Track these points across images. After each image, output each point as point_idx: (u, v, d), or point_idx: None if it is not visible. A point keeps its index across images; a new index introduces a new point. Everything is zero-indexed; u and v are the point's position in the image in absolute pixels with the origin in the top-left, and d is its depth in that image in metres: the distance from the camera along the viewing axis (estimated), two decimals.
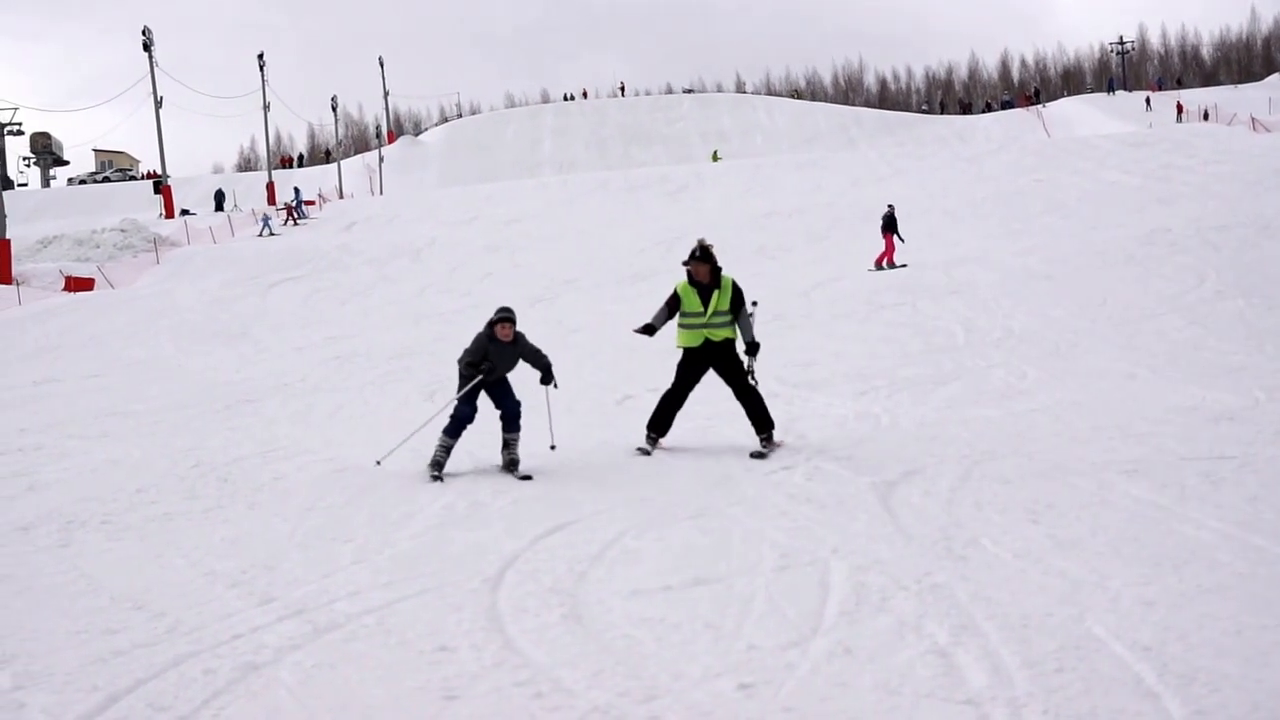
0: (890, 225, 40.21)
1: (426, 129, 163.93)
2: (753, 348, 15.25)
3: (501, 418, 14.68)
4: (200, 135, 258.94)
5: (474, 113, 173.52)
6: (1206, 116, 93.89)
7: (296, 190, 78.57)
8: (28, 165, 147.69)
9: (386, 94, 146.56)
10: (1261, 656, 7.65)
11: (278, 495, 13.78)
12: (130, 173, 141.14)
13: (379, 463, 14.88)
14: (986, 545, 10.43)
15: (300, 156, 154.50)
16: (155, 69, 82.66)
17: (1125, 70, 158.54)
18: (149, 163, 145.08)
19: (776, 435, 15.31)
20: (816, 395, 19.25)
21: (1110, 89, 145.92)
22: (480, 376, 14.59)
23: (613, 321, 30.78)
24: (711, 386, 15.70)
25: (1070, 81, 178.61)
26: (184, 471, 15.39)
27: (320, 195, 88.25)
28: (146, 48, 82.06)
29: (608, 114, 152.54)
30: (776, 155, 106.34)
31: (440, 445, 14.46)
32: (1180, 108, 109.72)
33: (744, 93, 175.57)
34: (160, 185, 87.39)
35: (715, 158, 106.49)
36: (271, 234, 64.77)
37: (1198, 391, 17.66)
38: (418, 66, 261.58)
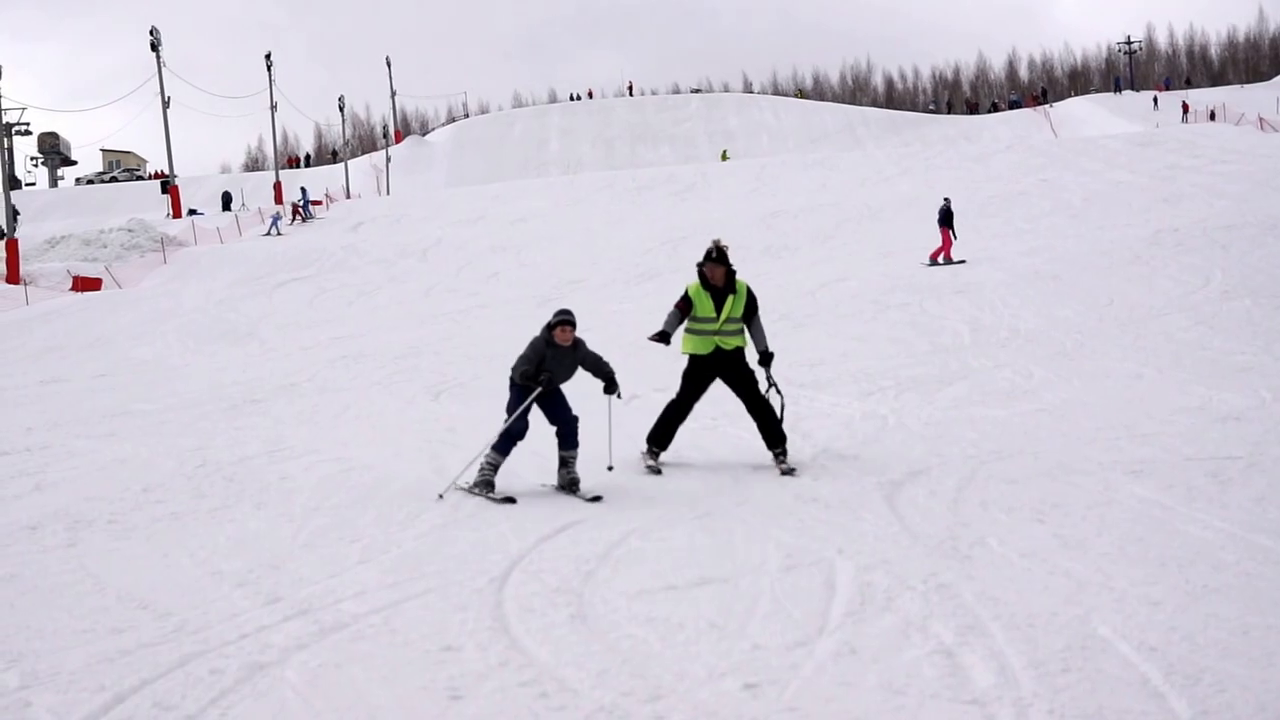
0: (946, 219, 39.34)
1: (433, 129, 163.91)
2: (766, 358, 14.37)
3: (557, 434, 13.40)
4: (207, 135, 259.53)
5: (481, 112, 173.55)
6: (1213, 116, 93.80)
7: (303, 190, 78.65)
8: (35, 165, 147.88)
9: (393, 94, 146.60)
10: (1267, 657, 7.65)
11: (284, 495, 13.77)
12: (137, 173, 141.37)
13: (441, 496, 13.14)
14: (992, 545, 10.43)
15: (307, 156, 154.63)
16: (163, 69, 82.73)
17: (1133, 70, 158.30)
18: (156, 163, 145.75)
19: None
20: (822, 395, 19.26)
21: (1117, 89, 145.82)
22: (539, 389, 13.21)
23: (619, 321, 30.78)
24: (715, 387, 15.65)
25: (1077, 82, 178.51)
26: (190, 471, 15.39)
27: (327, 195, 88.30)
28: (154, 48, 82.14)
29: (614, 114, 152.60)
30: (783, 155, 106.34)
31: (487, 462, 13.21)
32: (1186, 107, 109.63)
33: (751, 93, 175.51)
34: (167, 185, 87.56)
35: (724, 157, 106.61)
36: (279, 234, 64.82)
37: (1204, 391, 17.66)
38: (425, 66, 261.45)
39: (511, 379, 13.45)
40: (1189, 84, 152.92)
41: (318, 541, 11.58)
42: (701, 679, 7.63)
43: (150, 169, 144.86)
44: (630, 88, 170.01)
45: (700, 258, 14.52)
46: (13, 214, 73.27)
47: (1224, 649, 7.78)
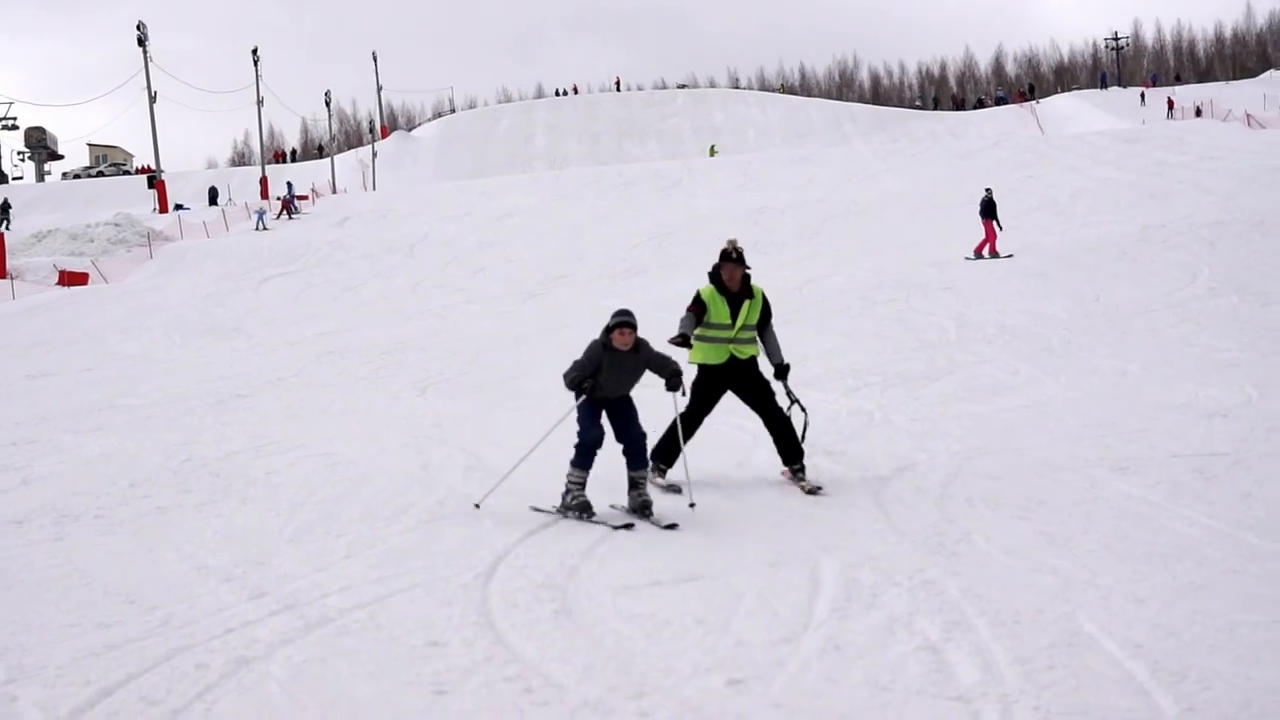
0: (989, 210, 38.59)
1: (420, 124, 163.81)
2: (782, 370, 13.47)
3: (625, 451, 12.12)
4: (194, 130, 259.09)
5: (468, 108, 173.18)
6: (1199, 113, 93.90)
7: (289, 185, 78.62)
8: (22, 159, 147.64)
9: (380, 89, 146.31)
10: (1253, 653, 7.67)
11: (270, 490, 13.77)
12: (124, 167, 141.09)
13: (478, 505, 12.32)
14: (978, 542, 10.45)
15: (294, 151, 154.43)
16: (149, 64, 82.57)
17: (1120, 66, 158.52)
18: (143, 157, 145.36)
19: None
20: (809, 391, 19.21)
21: (1104, 85, 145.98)
22: (582, 397, 11.97)
23: (605, 316, 30.78)
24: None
25: (1064, 78, 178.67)
26: (177, 466, 15.38)
27: (313, 190, 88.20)
28: (141, 43, 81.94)
29: (601, 109, 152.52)
30: (769, 151, 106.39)
31: (572, 481, 11.99)
32: (1171, 103, 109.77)
33: (738, 88, 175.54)
34: (154, 180, 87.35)
35: (712, 152, 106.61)
36: (265, 229, 64.77)
37: (1190, 388, 17.68)
38: (411, 62, 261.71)
39: (565, 383, 12.13)
40: (1178, 80, 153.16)
41: (303, 536, 11.59)
42: (686, 675, 7.64)
43: (137, 164, 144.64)
44: (618, 83, 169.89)
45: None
46: (4, 207, 73.12)
47: (1210, 646, 7.79)
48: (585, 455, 11.99)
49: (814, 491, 12.67)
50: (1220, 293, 27.45)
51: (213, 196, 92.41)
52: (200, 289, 45.09)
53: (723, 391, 13.51)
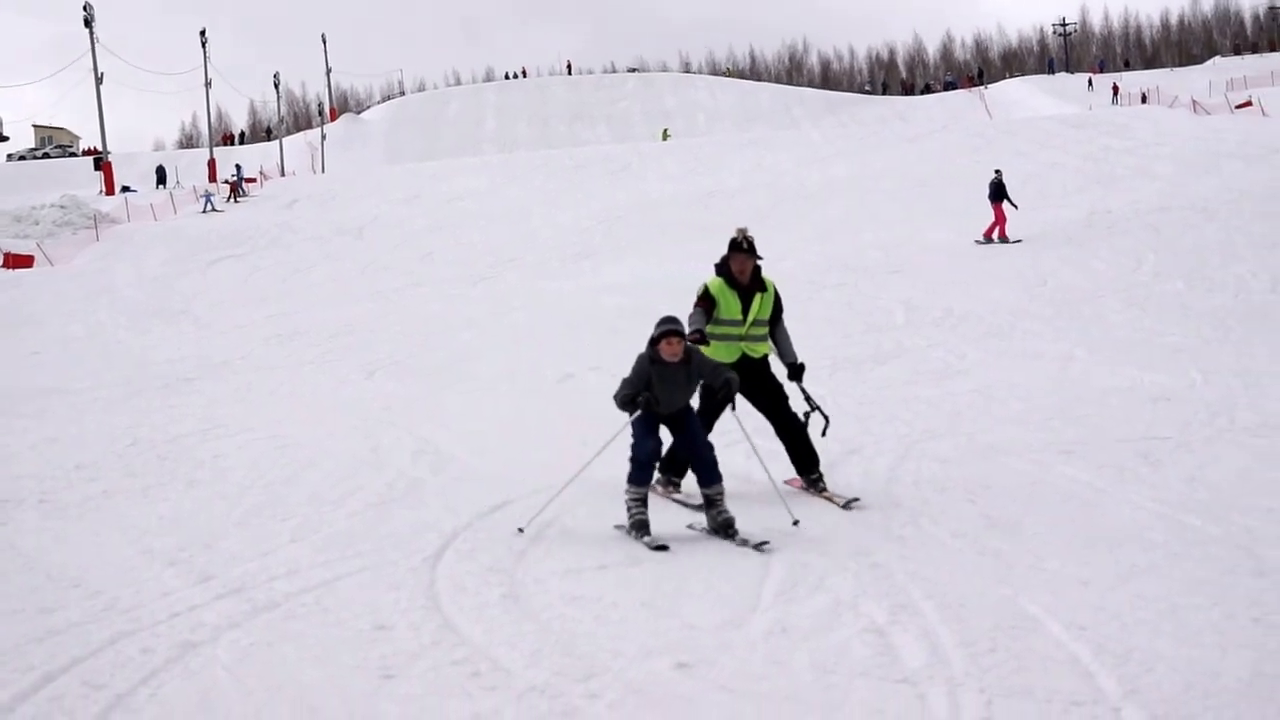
0: (999, 193, 37.10)
1: (369, 107, 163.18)
2: (796, 370, 12.45)
3: (694, 468, 11.06)
4: (141, 112, 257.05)
5: (417, 90, 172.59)
6: (1145, 99, 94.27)
7: (238, 167, 78.20)
8: None
9: (329, 71, 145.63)
10: (1195, 636, 7.73)
11: (217, 473, 13.73)
12: (70, 149, 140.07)
13: (521, 530, 10.76)
14: (925, 525, 10.50)
15: (242, 134, 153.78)
16: (96, 45, 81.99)
17: (1068, 52, 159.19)
18: (89, 139, 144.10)
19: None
20: None
21: (1051, 70, 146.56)
22: (640, 406, 10.86)
23: (555, 300, 30.77)
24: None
25: (1012, 63, 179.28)
26: (122, 449, 15.32)
27: (262, 173, 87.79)
28: (87, 23, 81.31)
29: (551, 92, 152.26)
30: (719, 135, 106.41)
31: (631, 499, 10.78)
32: (1116, 89, 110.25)
33: (689, 72, 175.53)
34: (101, 162, 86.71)
35: (665, 136, 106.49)
36: (213, 211, 64.44)
37: (1135, 373, 17.79)
38: (361, 44, 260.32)
39: (616, 404, 11.10)
40: (1126, 66, 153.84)
41: (250, 520, 11.56)
42: (634, 658, 7.65)
43: (83, 145, 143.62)
44: (569, 67, 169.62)
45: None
46: None
47: (1152, 628, 7.85)
48: (641, 471, 10.89)
49: (849, 505, 11.39)
50: (1166, 278, 27.63)
51: (160, 175, 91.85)
52: (147, 272, 44.83)
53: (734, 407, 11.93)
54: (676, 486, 12.30)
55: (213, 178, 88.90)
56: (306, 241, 49.82)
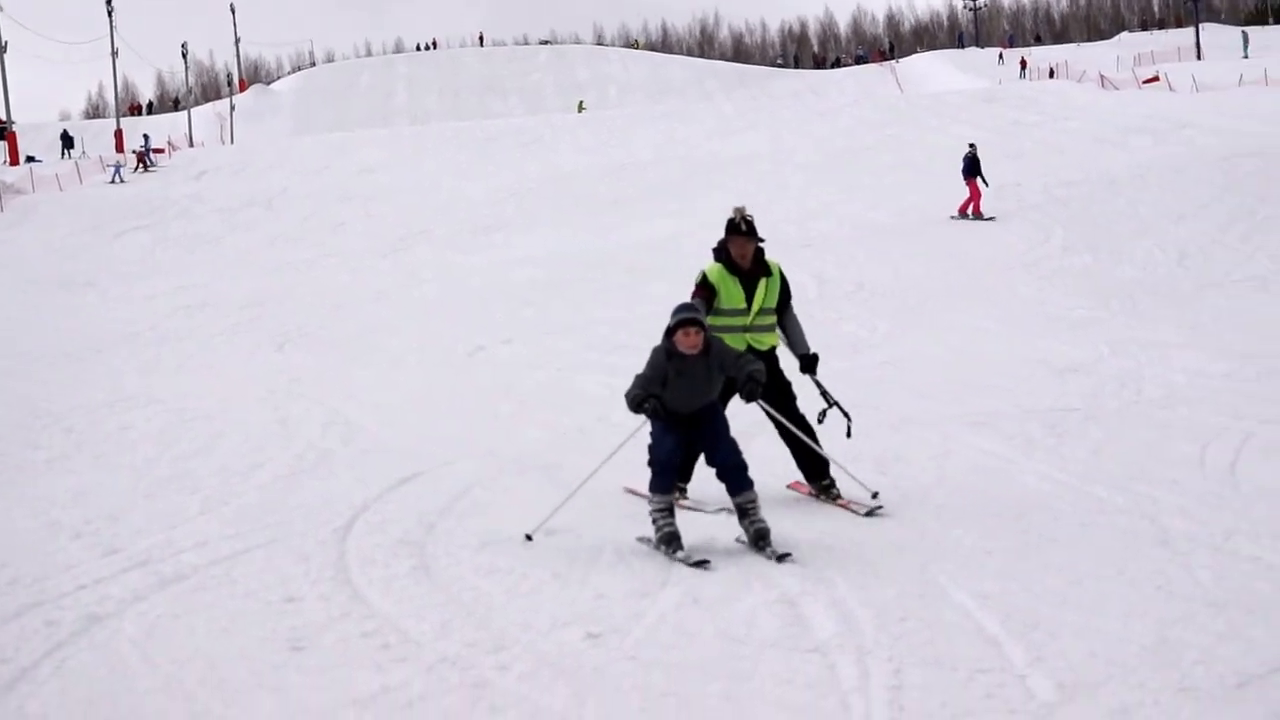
0: (973, 169, 35.77)
1: (279, 78, 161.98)
2: (809, 362, 11.35)
3: (719, 475, 9.71)
4: (46, 81, 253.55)
5: (327, 61, 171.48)
6: (1052, 74, 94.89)
7: (145, 137, 77.40)
8: None
9: (238, 41, 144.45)
10: (1099, 605, 7.79)
11: (124, 446, 13.62)
12: None
13: (530, 537, 9.70)
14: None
15: (150, 104, 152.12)
16: None
17: (978, 26, 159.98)
18: None
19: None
20: None
21: (961, 44, 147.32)
22: (646, 412, 9.63)
23: (466, 272, 30.68)
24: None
25: (923, 38, 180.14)
26: (26, 421, 15.17)
27: (170, 143, 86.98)
28: None
29: (463, 64, 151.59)
30: (632, 108, 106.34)
31: (654, 509, 9.55)
32: (1024, 63, 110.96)
33: (601, 44, 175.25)
34: (4, 131, 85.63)
35: (580, 108, 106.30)
36: (121, 181, 63.80)
37: (1044, 345, 17.95)
38: (270, 13, 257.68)
39: (629, 404, 9.81)
40: (1037, 40, 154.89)
41: (158, 492, 11.47)
42: (544, 629, 7.64)
43: None
44: (480, 38, 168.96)
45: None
46: None
47: (1058, 597, 7.91)
48: (663, 476, 9.64)
49: (871, 513, 10.24)
50: (1074, 252, 27.88)
51: (67, 140, 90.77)
52: (53, 243, 44.32)
53: (734, 392, 10.53)
54: (683, 492, 10.91)
55: (120, 148, 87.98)
56: (215, 213, 49.39)
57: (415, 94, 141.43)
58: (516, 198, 47.37)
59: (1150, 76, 71.11)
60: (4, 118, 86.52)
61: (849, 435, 11.25)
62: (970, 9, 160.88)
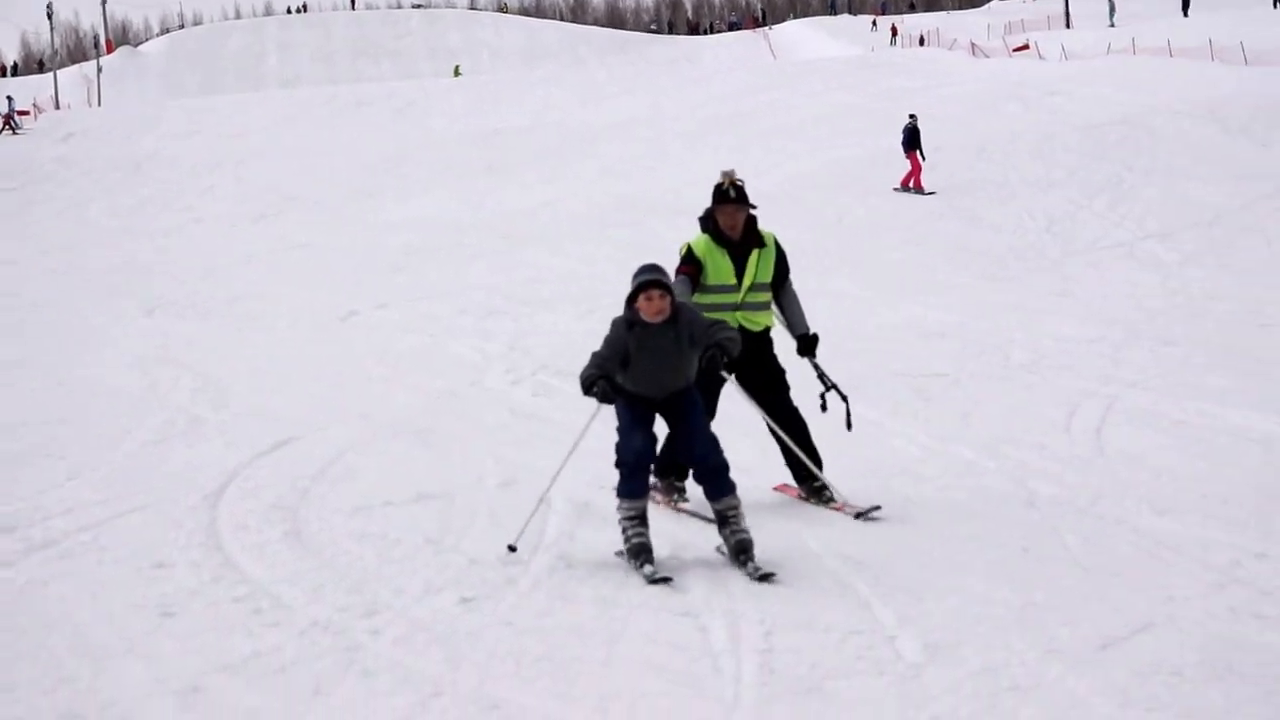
0: (913, 141, 34.53)
1: (147, 39, 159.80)
2: (807, 343, 10.23)
3: (696, 476, 8.58)
4: None
5: (196, 24, 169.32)
6: (923, 41, 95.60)
7: (9, 99, 76.12)
8: None
9: (104, 1, 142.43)
10: (966, 567, 7.92)
11: None
12: None
13: (513, 548, 8.36)
14: None
15: (14, 65, 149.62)
16: None
17: None
18: None
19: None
20: (543, 313, 19.31)
21: (834, 10, 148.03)
22: (596, 395, 8.39)
23: (338, 237, 30.47)
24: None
25: (796, 4, 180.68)
26: None
27: (35, 105, 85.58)
28: None
29: (334, 28, 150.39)
30: (506, 73, 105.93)
31: (624, 517, 8.24)
32: (895, 30, 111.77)
33: (474, 9, 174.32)
34: None
35: (457, 73, 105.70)
36: None
37: (913, 310, 18.13)
38: None
39: (582, 384, 8.51)
40: (912, 8, 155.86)
41: (26, 458, 11.34)
42: (418, 594, 7.64)
43: None
44: (352, 1, 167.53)
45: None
46: None
47: (927, 560, 8.03)
48: (632, 479, 8.31)
49: (866, 514, 9.22)
50: (944, 217, 28.17)
51: None
52: None
53: (729, 375, 9.42)
54: (682, 493, 9.79)
55: None
56: (82, 176, 48.63)
57: (286, 58, 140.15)
58: (390, 163, 47.04)
59: (1020, 44, 71.86)
60: None
61: (849, 427, 10.12)
62: None
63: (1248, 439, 11.80)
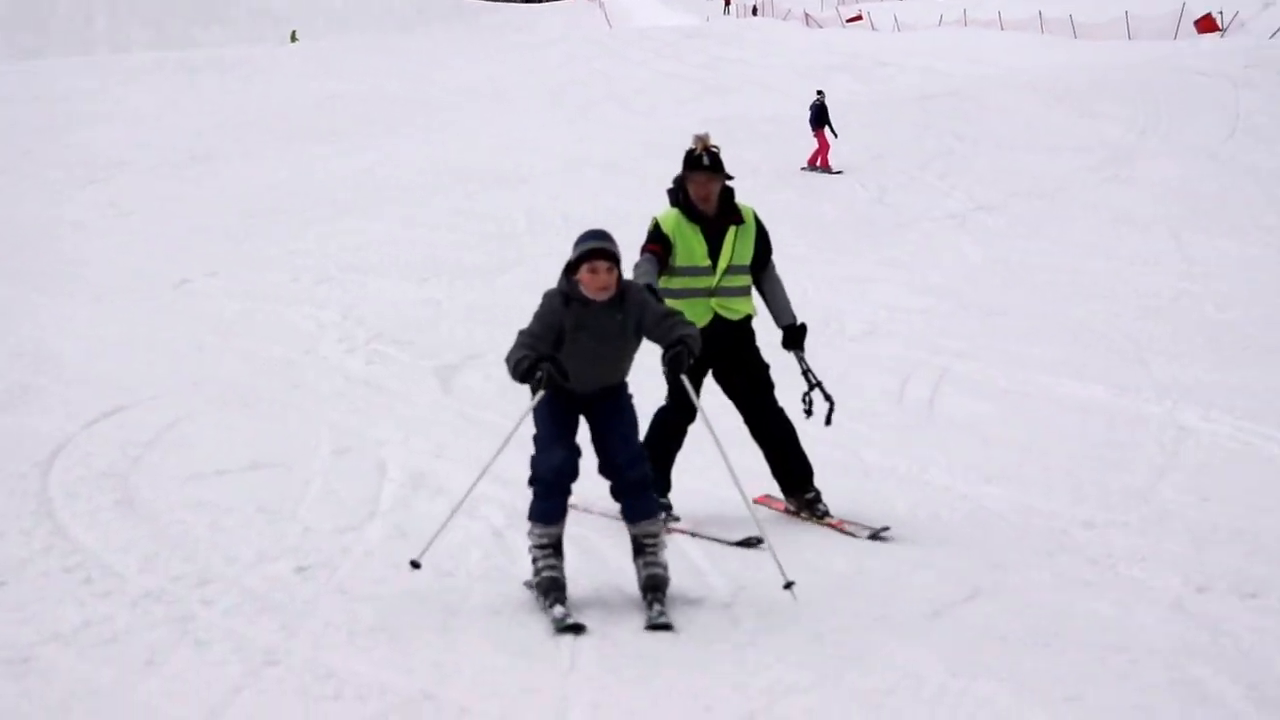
0: (820, 118, 33.40)
1: None
2: (794, 335, 9.22)
3: (613, 491, 7.29)
4: None
5: None
6: (755, 11, 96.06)
7: None
8: None
9: None
10: (797, 535, 8.22)
11: None
12: None
13: (417, 564, 7.10)
14: None
15: None
16: None
17: None
18: None
19: None
20: (374, 280, 19.21)
21: None
22: (538, 383, 7.02)
23: (171, 204, 30.05)
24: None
25: None
26: None
27: None
28: None
29: None
30: (342, 39, 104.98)
31: (534, 545, 7.11)
32: (728, 1, 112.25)
33: None
34: None
35: (293, 38, 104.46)
36: None
37: None
38: None
39: (511, 369, 7.19)
40: None
41: None
42: (251, 563, 7.63)
43: None
44: None
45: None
46: None
47: (754, 527, 8.13)
48: (546, 498, 7.11)
49: (878, 536, 8.41)
50: (776, 188, 28.37)
51: None
52: None
53: (706, 370, 8.95)
54: (668, 511, 8.74)
55: None
56: None
57: (116, 21, 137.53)
58: (224, 129, 46.40)
59: (853, 15, 72.59)
60: None
61: (828, 422, 9.15)
62: None
63: (1071, 407, 12.11)
